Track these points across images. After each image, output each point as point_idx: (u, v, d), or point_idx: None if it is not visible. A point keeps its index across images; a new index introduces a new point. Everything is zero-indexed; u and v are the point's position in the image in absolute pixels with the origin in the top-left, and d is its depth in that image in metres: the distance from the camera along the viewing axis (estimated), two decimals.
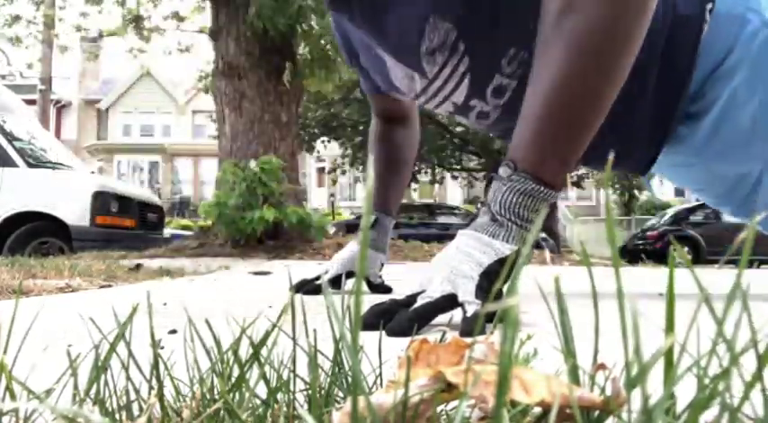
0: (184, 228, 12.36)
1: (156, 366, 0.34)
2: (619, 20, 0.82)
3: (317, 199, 22.56)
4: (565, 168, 0.86)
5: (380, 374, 0.38)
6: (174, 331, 0.74)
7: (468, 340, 0.28)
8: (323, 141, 14.97)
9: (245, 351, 0.35)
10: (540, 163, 0.84)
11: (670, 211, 13.10)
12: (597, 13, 0.81)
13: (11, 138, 5.60)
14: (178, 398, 0.35)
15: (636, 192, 21.36)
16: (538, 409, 0.28)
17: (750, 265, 2.70)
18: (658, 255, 9.43)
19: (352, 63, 1.42)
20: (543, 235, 10.87)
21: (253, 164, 4.30)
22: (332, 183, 22.27)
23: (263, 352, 0.35)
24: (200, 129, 23.80)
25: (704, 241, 11.15)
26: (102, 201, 5.49)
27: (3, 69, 16.75)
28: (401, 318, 0.79)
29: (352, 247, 1.49)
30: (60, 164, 6.02)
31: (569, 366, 0.26)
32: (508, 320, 0.18)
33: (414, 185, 18.53)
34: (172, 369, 0.36)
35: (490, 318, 0.74)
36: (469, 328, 0.75)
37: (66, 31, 7.87)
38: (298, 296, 0.82)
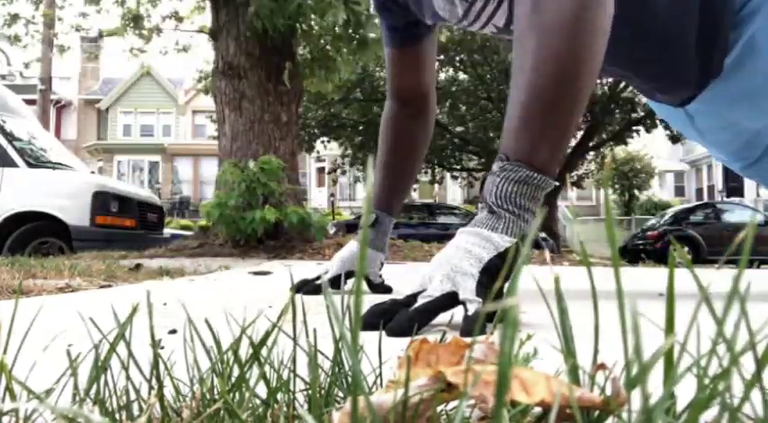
0: (184, 228, 12.37)
1: (156, 366, 0.34)
2: (583, 10, 0.87)
3: (317, 199, 22.57)
4: (556, 153, 0.88)
5: (380, 374, 0.38)
6: (173, 331, 0.74)
7: (468, 340, 0.28)
8: (323, 141, 14.98)
9: (245, 351, 0.35)
10: (530, 150, 0.86)
11: (670, 211, 13.11)
12: (561, 6, 0.87)
13: (11, 138, 5.60)
14: (178, 398, 0.35)
15: (636, 192, 21.38)
16: (538, 409, 0.28)
17: (750, 265, 2.69)
18: (658, 254, 9.45)
19: (386, 5, 1.37)
20: (543, 235, 10.88)
21: (252, 164, 4.30)
22: (332, 183, 22.29)
23: (263, 352, 0.35)
24: (200, 129, 23.82)
25: (704, 241, 11.16)
26: (102, 201, 5.49)
27: (3, 69, 16.77)
28: (401, 318, 0.79)
29: (351, 246, 1.49)
30: (60, 164, 6.02)
31: (569, 366, 0.26)
32: (508, 320, 0.18)
33: (414, 185, 18.47)
34: (172, 369, 0.36)
35: (490, 317, 0.74)
36: (470, 327, 0.75)
37: (65, 30, 7.85)
38: (298, 296, 0.82)
